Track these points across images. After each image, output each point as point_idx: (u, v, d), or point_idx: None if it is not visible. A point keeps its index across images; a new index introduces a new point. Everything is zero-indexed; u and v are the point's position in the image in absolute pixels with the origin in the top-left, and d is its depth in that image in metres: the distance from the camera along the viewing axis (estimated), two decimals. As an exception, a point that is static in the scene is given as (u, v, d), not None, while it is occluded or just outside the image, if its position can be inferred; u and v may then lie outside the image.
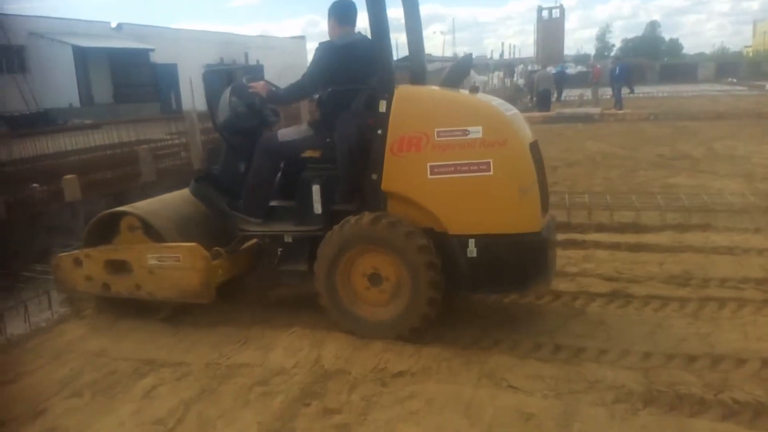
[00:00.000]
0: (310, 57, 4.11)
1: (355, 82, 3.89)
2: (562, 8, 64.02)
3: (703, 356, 3.40)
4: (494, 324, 3.94)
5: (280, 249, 4.11)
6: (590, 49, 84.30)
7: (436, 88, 4.20)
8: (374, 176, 3.72)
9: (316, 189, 3.93)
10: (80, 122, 18.40)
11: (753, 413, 2.84)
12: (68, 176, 6.58)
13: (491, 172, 3.49)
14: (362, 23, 4.03)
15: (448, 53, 64.11)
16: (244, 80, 4.25)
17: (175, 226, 4.20)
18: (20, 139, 9.84)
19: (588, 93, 25.57)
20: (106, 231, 4.39)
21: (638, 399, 2.99)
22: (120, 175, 9.08)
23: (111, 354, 3.86)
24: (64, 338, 4.17)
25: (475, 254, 3.58)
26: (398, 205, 3.73)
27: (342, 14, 4.04)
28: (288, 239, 4.07)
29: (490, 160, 3.49)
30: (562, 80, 27.84)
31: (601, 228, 6.04)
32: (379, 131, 3.67)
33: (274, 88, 4.18)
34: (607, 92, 24.24)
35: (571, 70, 41.72)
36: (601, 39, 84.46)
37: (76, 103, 26.43)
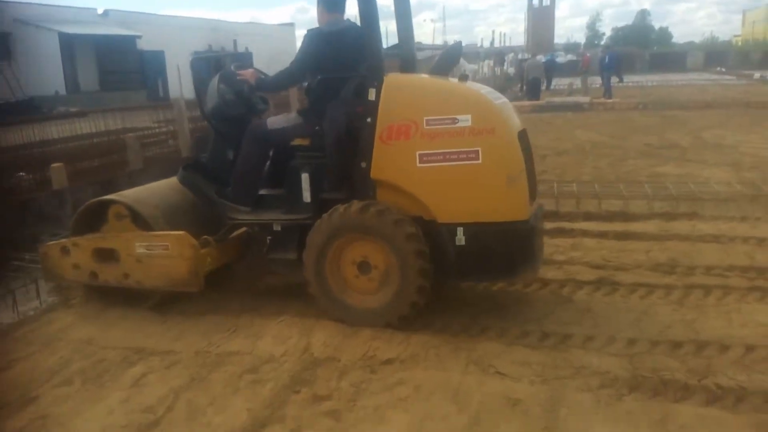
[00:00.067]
0: (299, 44, 4.09)
1: (344, 69, 3.87)
2: (553, -5, 63.94)
3: (687, 342, 3.44)
4: (482, 311, 3.97)
5: (269, 237, 4.10)
6: (581, 38, 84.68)
7: (425, 76, 4.19)
8: (363, 164, 3.72)
9: (305, 177, 3.92)
10: (66, 110, 18.18)
11: (736, 398, 2.90)
12: (55, 164, 6.55)
13: (480, 161, 3.50)
14: (351, 10, 4.02)
15: (438, 41, 64.06)
16: (232, 67, 4.21)
17: (163, 214, 4.18)
18: (6, 127, 9.72)
19: (577, 82, 25.57)
20: (93, 219, 4.37)
21: (623, 385, 3.03)
22: (107, 164, 8.98)
23: (100, 342, 3.86)
24: (52, 327, 4.16)
25: (463, 242, 3.60)
26: (387, 194, 3.74)
27: (331, 1, 4.02)
28: (277, 228, 4.06)
29: (479, 149, 3.50)
30: (552, 69, 27.91)
31: (588, 216, 6.08)
32: (368, 119, 3.67)
33: (262, 76, 4.16)
34: (596, 81, 24.27)
35: (561, 58, 41.72)
36: (592, 27, 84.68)
37: (62, 90, 26.13)
